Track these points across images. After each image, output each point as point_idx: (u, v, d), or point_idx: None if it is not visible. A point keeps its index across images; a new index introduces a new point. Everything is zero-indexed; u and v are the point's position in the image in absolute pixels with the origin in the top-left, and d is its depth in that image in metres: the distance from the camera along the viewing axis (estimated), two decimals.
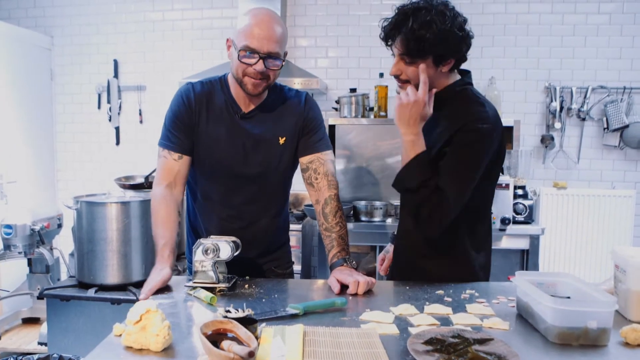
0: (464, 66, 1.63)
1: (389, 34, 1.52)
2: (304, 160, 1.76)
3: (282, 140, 1.74)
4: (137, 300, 1.33)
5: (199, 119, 1.70)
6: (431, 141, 1.55)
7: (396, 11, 1.52)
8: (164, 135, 1.71)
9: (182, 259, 2.82)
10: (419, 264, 1.67)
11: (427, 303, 1.42)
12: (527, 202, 3.16)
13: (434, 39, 1.44)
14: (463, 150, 1.49)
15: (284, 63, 1.63)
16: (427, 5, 1.47)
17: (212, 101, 1.72)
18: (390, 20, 1.52)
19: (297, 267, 2.54)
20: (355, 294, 1.49)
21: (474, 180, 1.50)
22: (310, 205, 3.36)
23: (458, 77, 1.61)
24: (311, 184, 1.75)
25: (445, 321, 1.29)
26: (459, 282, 1.61)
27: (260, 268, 1.84)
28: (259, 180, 1.75)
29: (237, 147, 1.71)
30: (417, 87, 1.52)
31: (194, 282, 1.51)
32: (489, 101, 1.59)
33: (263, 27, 1.57)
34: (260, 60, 1.57)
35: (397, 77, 1.56)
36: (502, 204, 3.00)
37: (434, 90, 1.52)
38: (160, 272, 1.52)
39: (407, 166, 1.52)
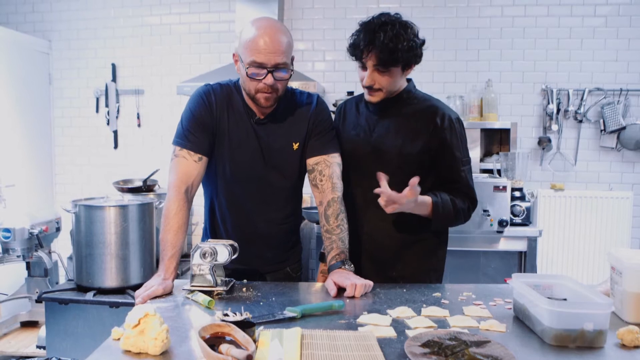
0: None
1: (364, 49, 1.64)
2: (310, 161, 1.77)
3: (295, 146, 1.75)
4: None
5: (219, 121, 1.70)
6: (408, 135, 1.75)
7: (362, 28, 1.66)
8: (181, 135, 1.69)
9: (181, 262, 2.81)
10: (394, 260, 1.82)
11: (424, 305, 1.43)
12: (524, 204, 3.16)
13: (403, 49, 1.61)
14: (456, 143, 1.74)
15: (292, 72, 1.64)
16: (389, 20, 1.64)
17: (232, 103, 1.72)
18: (359, 36, 1.66)
19: None
20: (353, 297, 1.50)
21: (470, 161, 1.82)
22: (309, 208, 3.39)
23: (406, 82, 1.82)
24: (316, 185, 1.76)
25: (442, 324, 1.30)
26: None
27: (275, 269, 1.86)
28: (277, 184, 1.77)
29: (256, 151, 1.72)
30: (387, 93, 1.72)
31: (192, 286, 1.52)
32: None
33: (267, 40, 1.56)
34: (269, 74, 1.58)
35: (370, 87, 1.71)
36: (499, 206, 3.01)
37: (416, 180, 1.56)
38: (164, 281, 1.53)
39: (436, 218, 1.72)
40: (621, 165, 3.69)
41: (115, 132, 4.13)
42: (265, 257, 1.82)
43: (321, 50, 3.92)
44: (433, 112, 1.75)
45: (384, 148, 1.78)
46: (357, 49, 1.67)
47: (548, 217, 3.64)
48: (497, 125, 3.51)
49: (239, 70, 1.66)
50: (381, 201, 1.57)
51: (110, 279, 2.38)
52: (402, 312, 1.37)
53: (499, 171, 3.38)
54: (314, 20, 3.90)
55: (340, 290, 1.53)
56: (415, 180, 1.54)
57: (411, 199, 1.57)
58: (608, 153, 3.69)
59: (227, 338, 1.08)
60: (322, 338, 1.17)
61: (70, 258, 2.83)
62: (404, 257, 1.81)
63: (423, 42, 1.71)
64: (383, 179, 1.56)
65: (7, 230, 2.77)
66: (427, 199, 1.68)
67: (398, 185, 1.63)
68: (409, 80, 1.84)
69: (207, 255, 1.51)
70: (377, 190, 1.56)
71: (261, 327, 1.23)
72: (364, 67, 1.70)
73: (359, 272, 1.74)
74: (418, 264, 1.83)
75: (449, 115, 1.75)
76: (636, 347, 1.16)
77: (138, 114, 4.09)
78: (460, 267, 3.02)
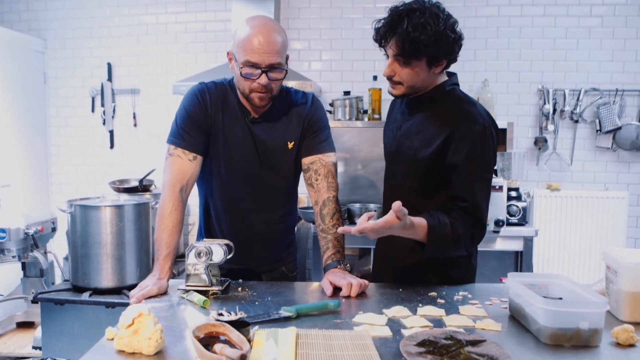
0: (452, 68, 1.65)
1: (384, 35, 1.51)
2: (305, 160, 1.77)
3: (290, 145, 1.75)
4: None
5: (214, 119, 1.70)
6: (425, 139, 1.57)
7: (389, 12, 1.51)
8: (176, 133, 1.69)
9: (177, 262, 2.81)
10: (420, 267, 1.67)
11: (420, 305, 1.42)
12: (520, 204, 3.17)
13: (428, 40, 1.44)
14: (474, 152, 1.50)
15: (286, 71, 1.63)
16: (420, 7, 1.47)
17: (227, 102, 1.72)
18: (384, 21, 1.52)
19: None
20: (348, 296, 1.50)
21: (491, 179, 1.56)
22: (305, 208, 3.39)
23: (446, 77, 1.64)
24: (311, 184, 1.76)
25: (438, 323, 1.30)
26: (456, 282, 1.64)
27: (270, 269, 1.86)
28: (272, 183, 1.76)
29: (251, 151, 1.71)
30: (408, 88, 1.55)
31: (187, 286, 1.51)
32: (477, 101, 1.62)
33: (262, 39, 1.54)
34: (263, 74, 1.57)
35: (390, 78, 1.57)
36: (495, 206, 3.01)
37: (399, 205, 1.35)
38: (159, 281, 1.52)
39: (431, 245, 1.47)
40: (617, 166, 3.70)
41: (111, 132, 4.12)
42: (261, 256, 1.82)
43: (317, 50, 3.91)
44: (459, 115, 1.53)
45: (402, 149, 1.65)
46: (378, 35, 1.53)
47: (544, 217, 3.65)
48: None
49: (233, 69, 1.65)
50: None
51: (106, 279, 2.37)
52: (397, 311, 1.36)
53: (495, 171, 3.39)
54: (310, 20, 3.89)
55: (336, 289, 1.53)
56: (398, 204, 1.33)
57: (395, 224, 1.37)
58: (604, 153, 3.70)
59: (222, 338, 1.08)
60: (318, 338, 1.17)
61: (66, 258, 2.82)
62: (422, 262, 1.61)
63: (459, 37, 1.52)
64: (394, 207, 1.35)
65: (2, 230, 2.76)
66: (422, 221, 1.45)
67: (407, 191, 1.59)
68: (450, 74, 1.65)
69: (202, 254, 1.50)
70: (351, 230, 1.42)
71: (256, 327, 1.23)
72: (387, 56, 1.56)
73: (371, 270, 1.72)
74: (435, 271, 1.65)
75: (474, 119, 1.51)
76: (631, 345, 1.16)
77: (134, 113, 4.08)
78: None
